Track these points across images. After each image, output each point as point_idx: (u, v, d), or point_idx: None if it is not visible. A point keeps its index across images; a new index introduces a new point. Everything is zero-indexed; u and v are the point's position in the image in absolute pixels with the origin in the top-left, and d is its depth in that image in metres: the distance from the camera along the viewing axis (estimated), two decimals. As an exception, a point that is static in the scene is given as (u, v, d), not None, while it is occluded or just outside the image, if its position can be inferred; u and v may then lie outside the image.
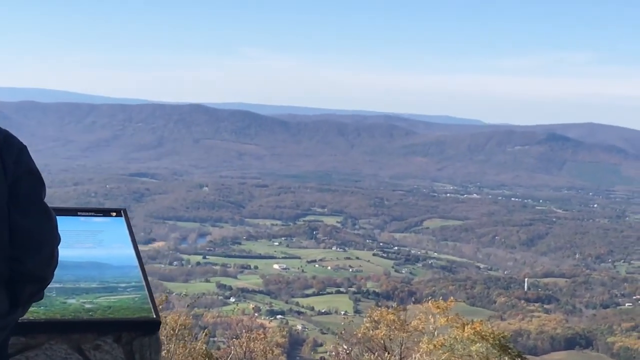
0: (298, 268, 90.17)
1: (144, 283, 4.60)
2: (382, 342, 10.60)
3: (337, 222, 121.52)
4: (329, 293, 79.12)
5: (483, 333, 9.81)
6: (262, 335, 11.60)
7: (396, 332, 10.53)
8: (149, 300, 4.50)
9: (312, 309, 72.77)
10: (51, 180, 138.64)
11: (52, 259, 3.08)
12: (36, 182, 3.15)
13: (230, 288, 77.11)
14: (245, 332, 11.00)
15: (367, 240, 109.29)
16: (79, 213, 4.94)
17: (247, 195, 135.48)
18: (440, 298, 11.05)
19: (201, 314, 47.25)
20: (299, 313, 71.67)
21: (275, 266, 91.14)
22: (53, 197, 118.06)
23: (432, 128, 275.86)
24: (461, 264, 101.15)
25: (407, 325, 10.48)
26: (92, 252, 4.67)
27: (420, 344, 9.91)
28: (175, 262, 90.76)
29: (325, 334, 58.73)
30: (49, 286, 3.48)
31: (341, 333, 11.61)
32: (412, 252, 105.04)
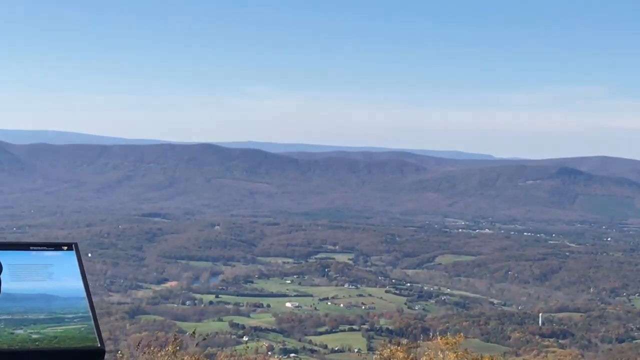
0: (310, 306, 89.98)
1: (90, 314, 4.74)
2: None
3: (349, 259, 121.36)
4: (342, 331, 78.81)
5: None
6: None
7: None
8: (95, 330, 4.64)
9: (326, 347, 72.46)
10: (64, 222, 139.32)
11: None
12: None
13: (243, 327, 76.89)
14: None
15: (379, 277, 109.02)
16: (31, 247, 5.05)
17: (258, 234, 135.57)
18: (456, 334, 11.06)
19: (215, 353, 47.10)
20: (312, 351, 71.36)
21: (288, 304, 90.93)
22: (67, 238, 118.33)
23: (442, 163, 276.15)
24: (474, 299, 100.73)
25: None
26: (41, 285, 4.80)
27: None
28: (187, 302, 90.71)
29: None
30: None
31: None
32: (425, 288, 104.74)
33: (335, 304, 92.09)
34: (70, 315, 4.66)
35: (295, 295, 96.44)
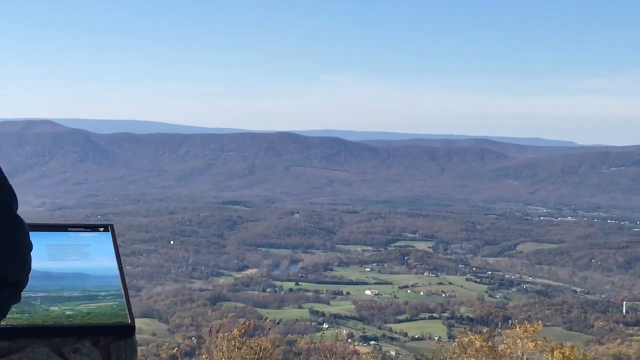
0: (390, 294, 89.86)
1: (122, 292, 4.99)
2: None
3: (429, 247, 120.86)
4: (422, 319, 78.59)
5: (572, 358, 9.73)
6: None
7: (484, 357, 10.55)
8: (126, 307, 4.89)
9: (405, 334, 72.38)
10: (147, 210, 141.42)
11: (25, 266, 3.36)
12: (8, 197, 3.39)
13: (323, 314, 77.24)
14: (341, 358, 11.13)
15: (460, 265, 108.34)
16: (69, 229, 5.31)
17: (337, 222, 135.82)
18: (537, 323, 10.96)
19: (295, 339, 47.46)
20: (392, 339, 71.30)
21: (367, 292, 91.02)
22: (149, 226, 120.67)
23: (523, 151, 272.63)
24: (557, 287, 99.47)
25: (496, 350, 10.48)
26: (77, 264, 5.07)
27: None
28: (268, 289, 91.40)
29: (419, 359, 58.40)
30: (34, 295, 4.47)
31: (429, 358, 11.67)
32: (506, 276, 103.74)
33: (415, 292, 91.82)
34: (104, 293, 4.92)
35: (374, 283, 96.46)
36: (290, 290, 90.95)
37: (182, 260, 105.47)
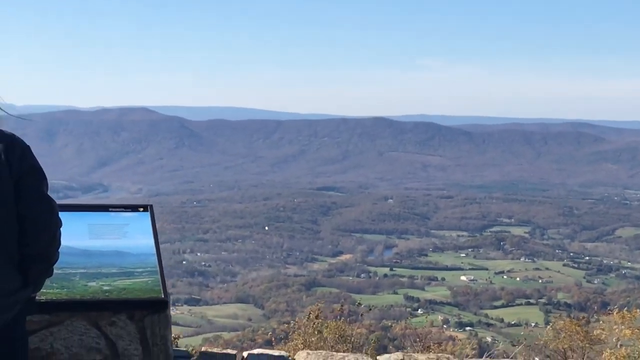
0: (486, 279, 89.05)
1: (158, 268, 5.27)
2: (562, 351, 10.46)
3: (525, 232, 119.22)
4: (518, 305, 77.68)
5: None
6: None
7: (578, 342, 10.37)
8: (160, 283, 5.16)
9: (502, 320, 71.62)
10: (242, 196, 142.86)
11: (54, 242, 3.78)
12: (38, 177, 3.77)
13: (418, 300, 77.00)
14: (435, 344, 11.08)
15: (557, 251, 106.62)
16: (110, 209, 5.69)
17: (432, 207, 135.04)
18: (634, 309, 10.74)
19: (390, 325, 47.37)
20: (488, 325, 70.63)
21: (463, 278, 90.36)
22: (244, 212, 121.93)
23: (623, 134, 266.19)
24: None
25: (590, 335, 10.30)
26: (116, 242, 5.41)
27: (603, 355, 9.72)
28: (362, 275, 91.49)
29: (515, 345, 57.76)
30: (73, 271, 4.93)
31: (521, 342, 11.51)
32: (604, 262, 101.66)
33: (511, 278, 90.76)
34: (140, 270, 5.23)
35: (470, 269, 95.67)
36: (385, 275, 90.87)
37: (276, 246, 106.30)
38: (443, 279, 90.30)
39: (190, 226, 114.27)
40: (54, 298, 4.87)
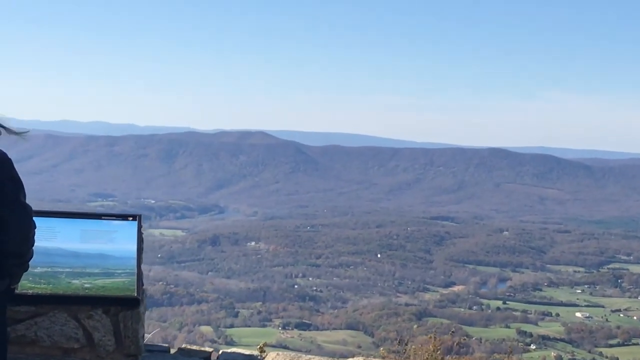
0: (601, 317, 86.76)
1: (135, 271, 5.89)
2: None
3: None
4: (634, 344, 75.33)
5: None
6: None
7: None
8: (136, 284, 5.80)
9: (617, 359, 69.68)
10: (355, 222, 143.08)
11: (27, 241, 4.41)
12: (15, 186, 4.37)
13: (531, 335, 75.47)
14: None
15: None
16: (102, 217, 6.30)
17: (548, 241, 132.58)
18: None
19: (501, 359, 46.56)
20: (603, 364, 68.86)
21: (578, 314, 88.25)
22: (357, 239, 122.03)
23: None
24: None
25: None
26: (103, 247, 6.04)
27: None
28: (474, 307, 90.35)
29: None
30: (61, 269, 5.71)
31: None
32: None
33: (628, 317, 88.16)
34: (119, 271, 5.88)
35: (585, 306, 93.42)
36: (498, 308, 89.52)
37: (388, 273, 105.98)
38: (557, 314, 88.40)
39: (303, 250, 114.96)
40: (40, 292, 5.59)
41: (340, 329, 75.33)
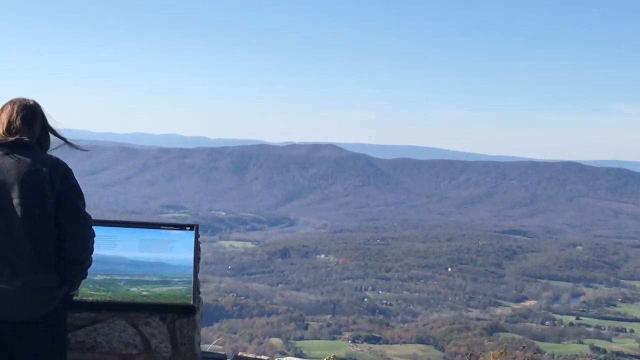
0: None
1: (192, 279, 6.03)
2: None
3: None
4: None
5: None
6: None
7: None
8: (192, 292, 5.92)
9: (694, 378, 68.11)
10: (425, 236, 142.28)
11: (86, 249, 4.61)
12: (76, 195, 4.57)
13: (605, 351, 74.02)
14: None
15: None
16: (161, 227, 6.45)
17: (622, 256, 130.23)
18: None
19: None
20: (679, 382, 67.35)
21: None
22: (427, 252, 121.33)
23: None
24: None
25: None
26: (161, 255, 6.18)
27: None
28: (547, 322, 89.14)
29: None
30: (120, 277, 5.90)
31: None
32: None
33: None
34: (177, 279, 6.03)
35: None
36: (571, 324, 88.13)
37: (459, 288, 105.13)
38: (632, 330, 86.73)
39: (373, 264, 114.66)
40: (99, 299, 5.77)
41: (411, 342, 74.83)
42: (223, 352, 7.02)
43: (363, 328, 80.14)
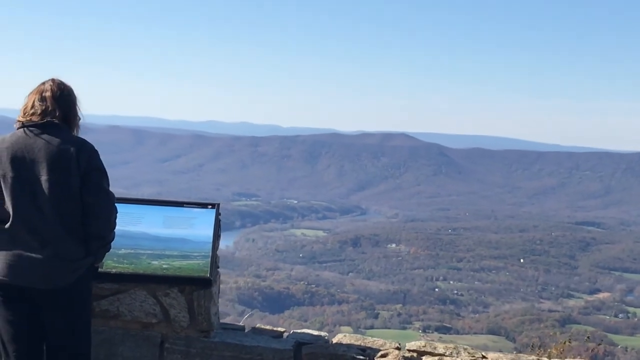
0: None
1: (210, 254, 6.38)
2: None
3: None
4: None
5: None
6: None
7: None
8: (209, 265, 6.30)
9: None
10: (497, 226, 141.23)
11: (109, 224, 5.04)
12: (100, 174, 4.93)
13: (680, 345, 72.96)
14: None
15: None
16: (184, 205, 6.72)
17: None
18: None
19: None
20: None
21: None
22: (499, 243, 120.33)
23: None
24: None
25: None
26: (183, 231, 6.51)
27: None
28: (620, 314, 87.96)
29: None
30: (142, 252, 6.33)
31: None
32: None
33: None
34: (196, 254, 6.39)
35: None
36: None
37: (531, 279, 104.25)
38: None
39: (444, 254, 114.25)
40: (122, 271, 6.21)
41: (482, 333, 74.53)
42: (242, 324, 7.34)
43: (434, 318, 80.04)
